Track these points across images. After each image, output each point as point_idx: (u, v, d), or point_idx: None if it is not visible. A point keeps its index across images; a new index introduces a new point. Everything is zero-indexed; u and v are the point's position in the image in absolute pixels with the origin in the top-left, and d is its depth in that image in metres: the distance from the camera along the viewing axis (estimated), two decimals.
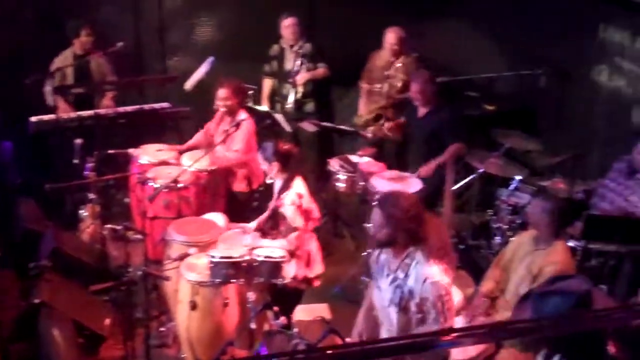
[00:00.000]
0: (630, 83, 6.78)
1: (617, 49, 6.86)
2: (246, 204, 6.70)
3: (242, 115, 6.54)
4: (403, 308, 4.07)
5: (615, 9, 6.83)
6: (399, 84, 7.51)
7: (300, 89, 7.77)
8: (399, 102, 7.45)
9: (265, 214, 5.78)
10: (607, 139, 6.95)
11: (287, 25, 7.70)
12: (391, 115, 7.47)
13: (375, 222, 4.09)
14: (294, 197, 5.41)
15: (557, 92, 7.53)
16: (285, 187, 5.48)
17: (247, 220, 6.08)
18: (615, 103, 6.97)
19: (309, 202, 5.51)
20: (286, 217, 5.38)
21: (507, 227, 6.60)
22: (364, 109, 7.77)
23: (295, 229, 5.38)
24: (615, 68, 6.90)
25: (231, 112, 6.57)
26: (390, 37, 7.51)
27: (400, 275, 4.07)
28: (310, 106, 7.91)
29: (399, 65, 7.53)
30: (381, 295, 4.22)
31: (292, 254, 5.42)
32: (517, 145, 6.96)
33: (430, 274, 3.99)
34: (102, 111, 7.23)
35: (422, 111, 6.76)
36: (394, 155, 7.45)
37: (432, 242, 4.05)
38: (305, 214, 5.43)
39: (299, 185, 5.53)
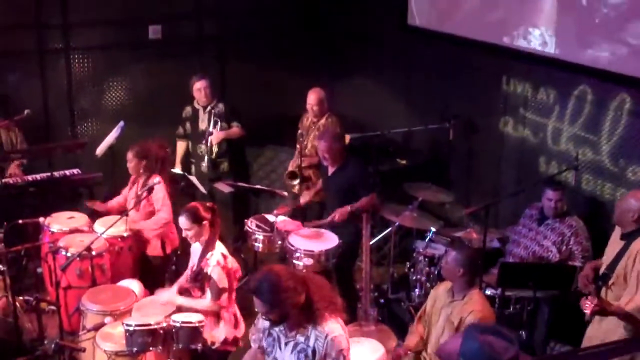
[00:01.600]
0: (534, 133, 6.96)
1: (520, 100, 7.05)
2: (162, 270, 6.59)
3: (155, 179, 6.45)
4: None
5: (515, 62, 7.04)
6: None
7: (215, 149, 7.72)
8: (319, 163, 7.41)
9: (185, 276, 5.66)
10: (517, 187, 7.06)
11: (199, 88, 7.67)
12: (315, 178, 7.47)
13: (260, 309, 4.04)
14: (219, 257, 5.32)
15: (466, 144, 7.67)
16: (209, 247, 5.38)
17: (164, 286, 5.97)
18: (521, 152, 7.13)
19: (233, 262, 5.44)
20: (212, 278, 5.28)
21: (425, 278, 6.64)
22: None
23: (223, 290, 5.28)
24: (520, 119, 7.07)
25: (136, 172, 6.54)
26: (310, 98, 7.54)
27: (301, 339, 4.05)
28: (225, 166, 7.87)
29: (320, 124, 7.55)
30: None
31: (219, 316, 5.32)
32: (430, 198, 7.02)
33: (330, 330, 4.01)
34: (10, 180, 7.03)
35: (330, 170, 6.77)
36: (319, 216, 7.35)
37: (321, 304, 4.01)
38: (230, 274, 5.35)
39: (220, 246, 5.46)
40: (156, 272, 6.54)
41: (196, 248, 5.55)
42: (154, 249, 6.53)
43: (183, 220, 5.38)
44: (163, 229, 6.47)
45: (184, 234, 5.46)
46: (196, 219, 5.34)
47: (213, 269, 5.28)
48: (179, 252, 6.66)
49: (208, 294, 5.34)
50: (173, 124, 7.95)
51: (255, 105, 8.44)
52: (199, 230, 5.35)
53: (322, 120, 7.58)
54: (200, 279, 5.42)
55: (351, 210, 6.53)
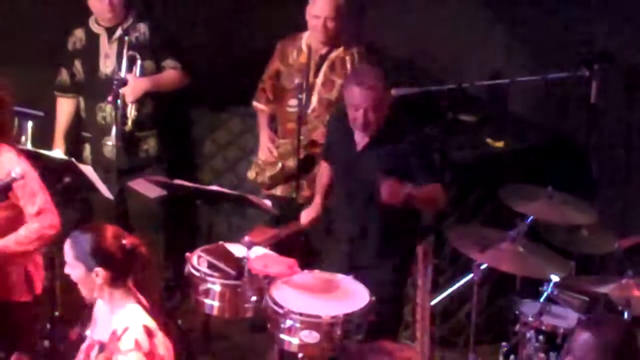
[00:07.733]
0: None
1: None
2: (29, 326, 6.63)
3: (11, 159, 6.33)
4: None
5: None
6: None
7: (132, 113, 7.77)
8: None
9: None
10: None
11: None
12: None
13: None
14: (139, 333, 5.28)
15: (626, 112, 7.74)
16: (116, 312, 5.39)
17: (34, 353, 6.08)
18: None
19: (164, 343, 5.44)
20: None
21: None
22: (268, 151, 7.80)
23: None
24: None
25: None
26: (321, 5, 7.52)
27: None
28: (150, 146, 7.96)
29: (335, 58, 7.63)
30: None
31: None
32: (549, 217, 7.03)
33: None
34: None
35: (362, 139, 6.81)
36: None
37: None
38: None
39: (137, 311, 5.45)
40: (19, 332, 6.52)
41: (101, 310, 5.55)
42: (18, 291, 6.51)
43: (75, 255, 5.33)
44: (44, 245, 6.48)
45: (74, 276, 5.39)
46: (103, 257, 5.31)
47: (127, 358, 5.27)
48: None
49: None
50: (46, 65, 8.03)
51: (210, 27, 8.50)
52: (106, 279, 5.29)
53: (339, 53, 7.64)
54: None
55: (411, 193, 6.53)
